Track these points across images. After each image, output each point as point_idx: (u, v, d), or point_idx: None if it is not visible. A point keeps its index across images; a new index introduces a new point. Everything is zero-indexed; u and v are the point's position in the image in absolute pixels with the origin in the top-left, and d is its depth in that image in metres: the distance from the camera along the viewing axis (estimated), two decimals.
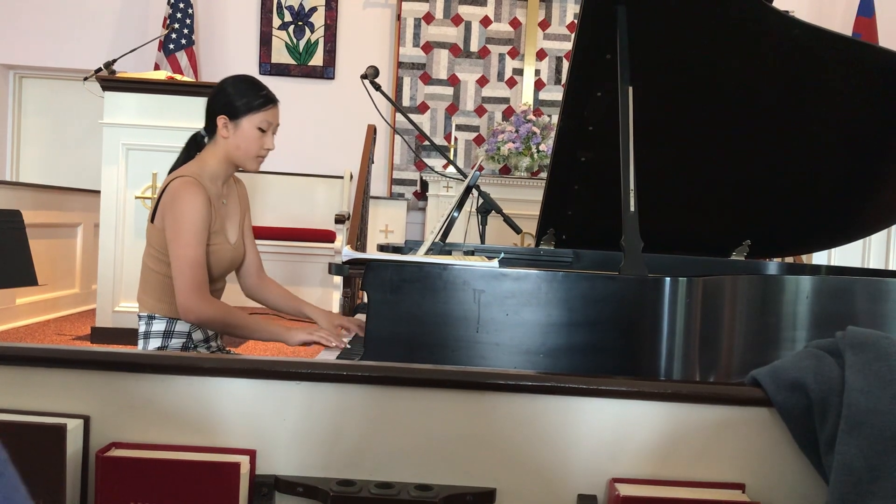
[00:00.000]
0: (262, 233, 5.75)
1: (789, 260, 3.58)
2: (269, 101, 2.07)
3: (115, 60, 4.27)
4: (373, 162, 5.48)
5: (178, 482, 1.06)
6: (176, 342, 2.06)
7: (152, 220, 2.05)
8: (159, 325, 2.06)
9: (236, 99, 2.05)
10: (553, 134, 2.67)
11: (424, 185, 6.21)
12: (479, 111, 6.53)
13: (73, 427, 1.09)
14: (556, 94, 6.44)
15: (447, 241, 2.52)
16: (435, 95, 6.51)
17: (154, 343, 2.06)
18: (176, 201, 1.97)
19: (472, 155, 6.51)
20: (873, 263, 4.35)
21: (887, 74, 2.05)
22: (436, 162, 6.21)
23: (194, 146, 2.15)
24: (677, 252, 2.53)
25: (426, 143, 6.34)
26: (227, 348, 2.33)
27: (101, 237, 4.16)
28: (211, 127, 2.10)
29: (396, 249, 2.49)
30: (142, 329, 2.08)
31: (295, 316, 2.29)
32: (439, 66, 6.51)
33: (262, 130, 2.06)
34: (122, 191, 4.12)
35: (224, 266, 2.13)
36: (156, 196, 2.08)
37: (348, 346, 1.90)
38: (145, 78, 4.20)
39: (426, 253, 2.01)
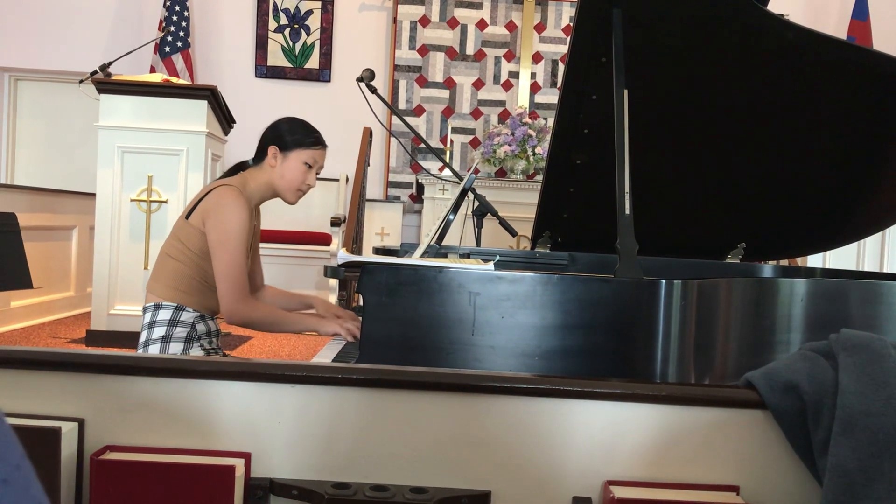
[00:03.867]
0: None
1: (784, 263, 3.59)
2: (318, 142, 2.25)
3: (110, 63, 4.27)
4: (368, 165, 5.49)
5: (173, 485, 1.05)
6: (180, 331, 2.12)
7: (187, 216, 2.16)
8: (165, 314, 2.12)
9: (289, 134, 2.21)
10: (549, 137, 2.67)
11: (420, 187, 6.21)
12: (475, 114, 6.53)
13: (68, 430, 1.08)
14: (551, 96, 6.46)
15: (443, 243, 2.52)
16: (431, 98, 6.52)
17: (158, 331, 2.11)
18: (224, 208, 2.09)
19: (467, 158, 6.51)
20: (868, 266, 4.37)
21: (881, 78, 2.06)
22: (432, 165, 6.21)
23: (239, 168, 2.30)
24: (672, 255, 2.54)
25: (422, 145, 6.35)
26: (225, 352, 2.35)
27: (96, 240, 4.15)
28: (260, 156, 2.24)
29: (392, 252, 2.50)
30: (146, 319, 2.15)
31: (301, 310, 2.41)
32: (435, 68, 6.51)
33: (308, 166, 2.22)
34: (117, 193, 4.11)
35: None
36: (195, 196, 2.21)
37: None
38: (141, 80, 4.20)
39: (422, 256, 2.01)
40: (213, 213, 2.09)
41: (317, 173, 2.27)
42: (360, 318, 2.14)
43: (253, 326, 2.12)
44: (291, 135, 2.20)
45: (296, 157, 2.20)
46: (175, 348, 2.10)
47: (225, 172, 2.31)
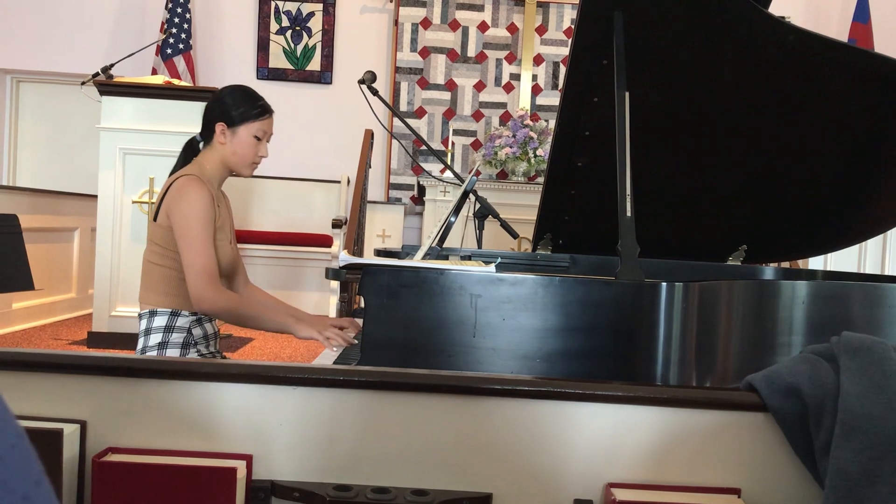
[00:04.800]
0: (259, 237, 5.75)
1: (786, 265, 3.59)
2: (265, 111, 2.18)
3: (112, 65, 4.27)
4: (370, 167, 5.49)
5: (175, 487, 1.06)
6: (176, 337, 2.09)
7: (155, 218, 2.12)
8: (160, 321, 2.09)
9: (234, 108, 2.14)
10: (550, 139, 2.68)
11: (422, 189, 6.21)
12: (477, 116, 6.54)
13: (70, 432, 1.09)
14: (553, 99, 6.46)
15: (444, 245, 2.52)
16: (432, 100, 6.52)
17: (155, 338, 2.09)
18: (182, 198, 2.04)
19: (469, 160, 6.52)
20: (869, 268, 4.36)
21: (882, 80, 2.06)
22: (433, 167, 6.21)
23: (190, 151, 2.24)
24: (674, 257, 2.54)
25: (423, 147, 6.36)
26: (224, 354, 2.34)
27: (97, 241, 4.16)
28: (207, 133, 2.19)
29: (393, 254, 2.50)
30: (142, 327, 2.12)
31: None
32: (437, 70, 6.52)
33: (257, 139, 2.16)
34: (118, 195, 4.12)
35: (226, 263, 2.16)
36: (158, 196, 2.15)
37: (356, 341, 1.92)
38: (143, 83, 4.21)
39: (423, 258, 2.01)
40: (175, 204, 2.05)
41: (267, 141, 2.20)
42: (353, 323, 2.13)
43: (222, 316, 2.05)
44: (236, 108, 2.14)
45: (244, 132, 2.14)
46: (171, 355, 2.07)
47: (178, 161, 2.24)
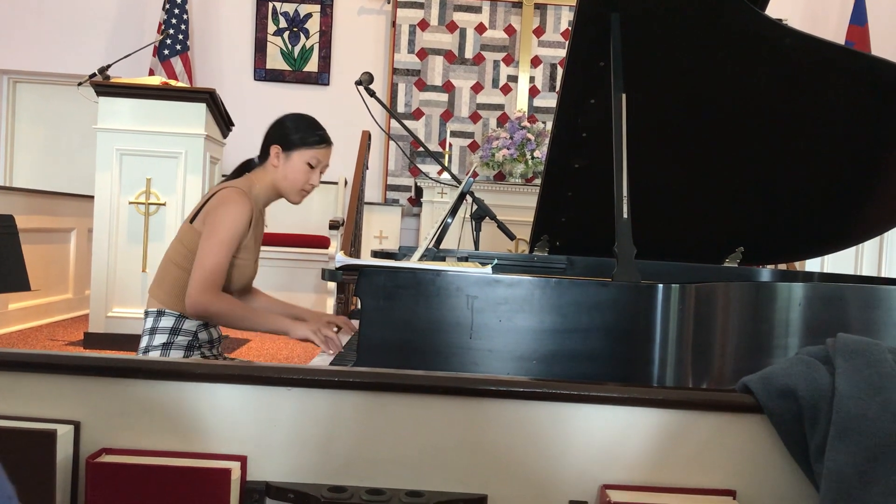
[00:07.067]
0: None
1: (782, 267, 3.59)
2: (323, 140, 2.20)
3: (109, 66, 4.27)
4: (367, 168, 5.49)
5: (169, 488, 1.05)
6: (182, 339, 2.08)
7: (192, 220, 2.11)
8: (167, 322, 2.08)
9: (293, 132, 2.15)
10: (547, 140, 2.68)
11: (419, 191, 6.21)
12: (474, 118, 6.54)
13: (64, 433, 1.08)
14: (550, 100, 6.47)
15: (441, 247, 2.52)
16: (430, 102, 6.52)
17: (160, 339, 2.08)
18: (222, 206, 2.04)
19: (466, 161, 6.52)
20: (866, 270, 4.37)
21: (879, 83, 2.06)
22: (430, 168, 6.22)
23: (245, 168, 2.24)
24: (670, 259, 2.54)
25: (421, 149, 6.36)
26: (226, 355, 2.33)
27: (94, 242, 4.15)
28: (263, 154, 2.19)
29: (390, 255, 2.49)
30: (148, 325, 2.10)
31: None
32: (434, 72, 6.52)
33: (310, 166, 2.17)
34: (115, 196, 4.11)
35: (244, 281, 2.18)
36: (201, 200, 2.15)
37: (342, 350, 1.91)
38: (140, 83, 4.20)
39: (420, 259, 2.01)
40: (214, 210, 2.04)
41: (321, 172, 2.21)
42: (348, 323, 2.13)
43: (214, 319, 2.04)
44: (295, 133, 2.14)
45: (299, 157, 2.14)
46: (175, 356, 2.06)
47: (231, 173, 2.25)
